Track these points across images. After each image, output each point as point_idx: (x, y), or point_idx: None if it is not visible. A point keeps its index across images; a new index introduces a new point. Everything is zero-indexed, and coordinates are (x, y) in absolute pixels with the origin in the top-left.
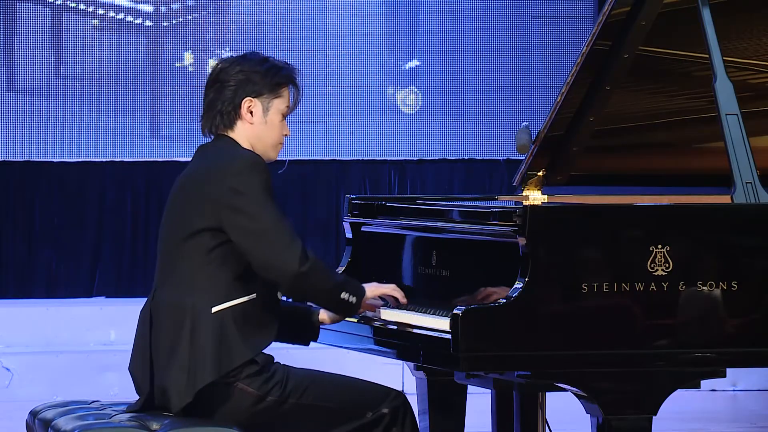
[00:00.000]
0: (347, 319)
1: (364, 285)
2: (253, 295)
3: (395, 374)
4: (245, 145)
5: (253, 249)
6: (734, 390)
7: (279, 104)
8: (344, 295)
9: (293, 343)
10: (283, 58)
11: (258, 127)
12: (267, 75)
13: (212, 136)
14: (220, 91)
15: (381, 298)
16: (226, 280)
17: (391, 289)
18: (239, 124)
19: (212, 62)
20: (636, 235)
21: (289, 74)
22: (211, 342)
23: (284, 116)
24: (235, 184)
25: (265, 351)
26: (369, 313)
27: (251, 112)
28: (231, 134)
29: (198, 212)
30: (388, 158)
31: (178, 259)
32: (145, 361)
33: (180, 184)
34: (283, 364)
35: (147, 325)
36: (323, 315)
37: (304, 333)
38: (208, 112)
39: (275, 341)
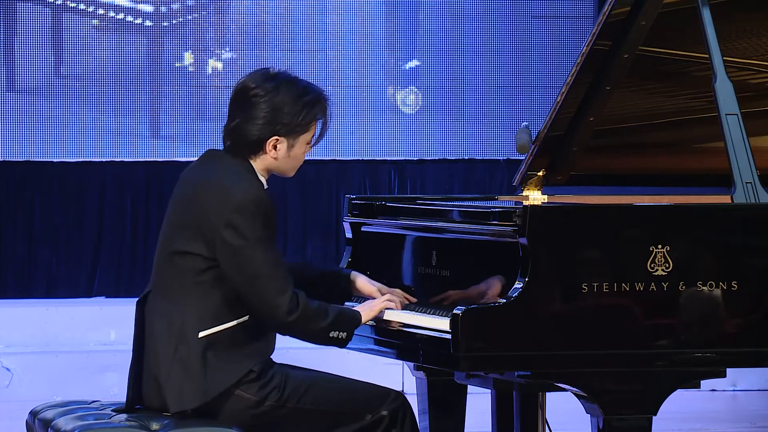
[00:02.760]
0: None
1: (361, 306)
2: (245, 318)
3: (395, 374)
4: (261, 169)
5: (242, 289)
6: (734, 390)
7: (306, 137)
8: (333, 334)
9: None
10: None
11: (281, 161)
12: (300, 113)
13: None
14: (247, 120)
15: None
16: (216, 303)
17: (386, 302)
18: (261, 155)
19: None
20: (636, 235)
21: (321, 110)
22: (197, 368)
23: (309, 146)
24: (234, 221)
25: None
26: None
27: (275, 148)
28: (249, 157)
29: (194, 237)
30: (388, 158)
31: (172, 271)
32: (138, 361)
33: (183, 194)
34: (282, 366)
35: (141, 327)
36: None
37: (338, 297)
38: (232, 135)
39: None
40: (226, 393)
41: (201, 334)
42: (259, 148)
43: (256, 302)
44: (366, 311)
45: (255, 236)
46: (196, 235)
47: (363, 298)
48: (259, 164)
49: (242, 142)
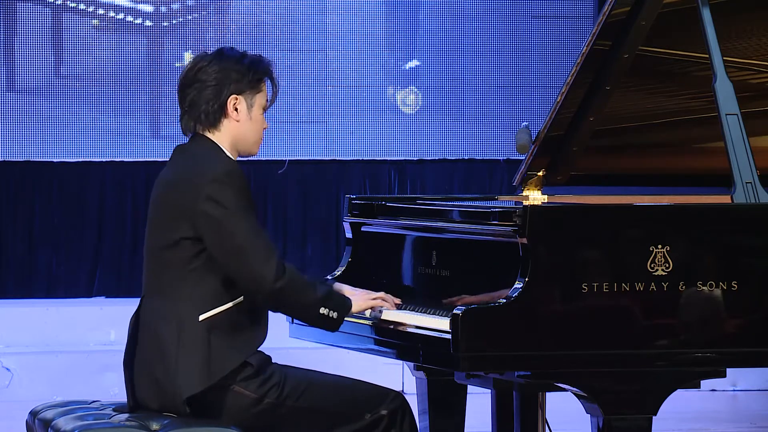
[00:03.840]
0: (347, 319)
1: (354, 293)
2: (240, 299)
3: (395, 374)
4: (227, 145)
5: (228, 263)
6: (734, 390)
7: (260, 99)
8: (323, 311)
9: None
10: (258, 52)
11: (244, 124)
12: (248, 71)
13: (191, 134)
14: (201, 90)
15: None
16: (211, 287)
17: (381, 300)
18: (225, 122)
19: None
20: (636, 235)
21: (266, 67)
22: (201, 351)
23: (264, 110)
24: (212, 193)
25: (264, 351)
26: (369, 313)
27: (236, 109)
28: (213, 135)
29: (177, 222)
30: (388, 158)
31: (163, 268)
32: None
33: (158, 193)
34: (281, 365)
35: (133, 335)
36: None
37: None
38: (190, 112)
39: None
40: (226, 388)
41: (201, 317)
42: (221, 111)
43: (242, 273)
44: (358, 302)
45: (234, 205)
46: (179, 220)
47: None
48: (224, 137)
49: (203, 111)
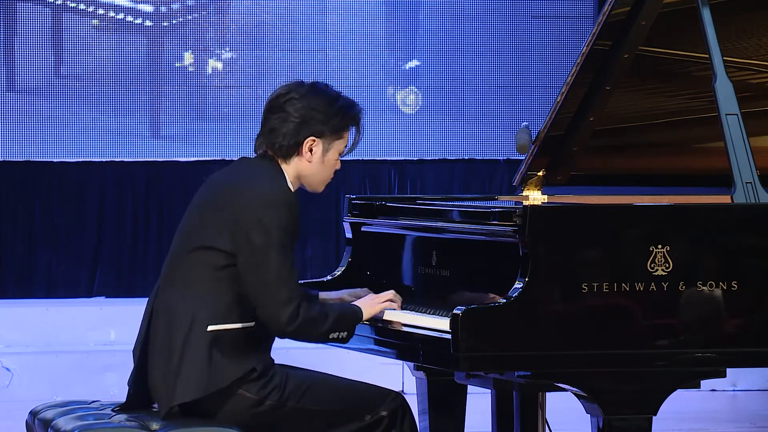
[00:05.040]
0: None
1: (362, 301)
2: (251, 324)
3: (395, 374)
4: (292, 177)
5: (252, 290)
6: (734, 390)
7: (339, 145)
8: (333, 336)
9: None
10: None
11: (314, 166)
12: (335, 116)
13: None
14: (283, 121)
15: None
16: (228, 301)
17: (388, 302)
18: (296, 159)
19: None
20: (636, 235)
21: (356, 116)
22: (201, 360)
23: (341, 155)
24: (262, 218)
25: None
26: None
27: (311, 151)
28: (281, 163)
29: (219, 230)
30: (388, 158)
31: (189, 266)
32: (143, 357)
33: (212, 193)
34: (282, 366)
35: (147, 322)
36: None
37: None
38: (266, 137)
39: None
40: (228, 392)
41: (210, 328)
42: (295, 149)
43: (261, 307)
44: (367, 308)
45: (277, 238)
46: (222, 230)
47: None
48: (291, 169)
49: (278, 143)
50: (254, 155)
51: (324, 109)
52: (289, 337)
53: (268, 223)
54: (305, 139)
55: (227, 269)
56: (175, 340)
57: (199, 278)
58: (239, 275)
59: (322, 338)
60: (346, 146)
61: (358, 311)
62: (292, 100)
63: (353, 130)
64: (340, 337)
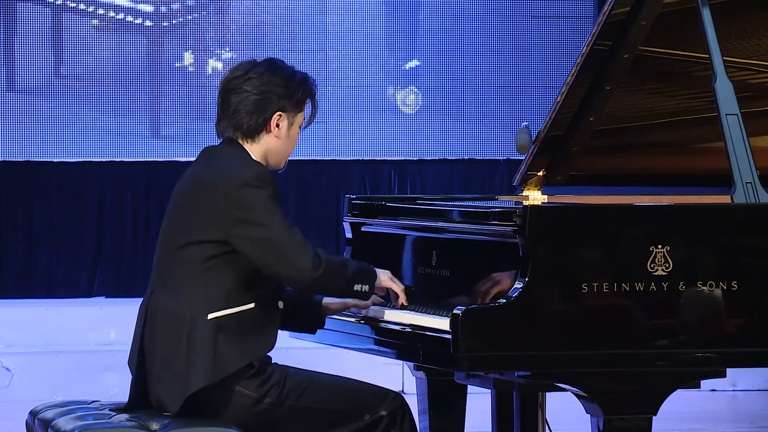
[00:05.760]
0: (347, 319)
1: (379, 271)
2: (251, 305)
3: (395, 374)
4: (258, 156)
5: (264, 259)
6: (734, 390)
7: (300, 118)
8: (357, 287)
9: (300, 333)
10: (294, 63)
11: (281, 141)
12: (297, 91)
13: (222, 137)
14: (245, 99)
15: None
16: (223, 289)
17: (400, 289)
18: (263, 136)
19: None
20: (636, 235)
21: (312, 88)
22: (207, 347)
23: (300, 128)
24: (242, 197)
25: None
26: (368, 312)
27: (278, 126)
28: (247, 143)
29: (202, 223)
30: (388, 158)
31: (177, 264)
32: (141, 364)
33: (185, 189)
34: (281, 365)
35: (141, 326)
36: (327, 302)
37: (310, 323)
38: (229, 118)
39: (282, 329)
40: (227, 389)
41: (210, 316)
42: (263, 126)
43: (279, 267)
44: (381, 275)
45: (263, 204)
46: (208, 222)
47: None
48: (258, 148)
49: (245, 122)
50: (218, 142)
51: (285, 84)
52: (316, 290)
53: (247, 199)
54: (272, 115)
55: (216, 258)
56: (179, 339)
57: (191, 274)
58: (246, 255)
59: (348, 287)
60: (305, 119)
61: (372, 269)
62: (251, 79)
63: (310, 103)
64: (363, 290)
